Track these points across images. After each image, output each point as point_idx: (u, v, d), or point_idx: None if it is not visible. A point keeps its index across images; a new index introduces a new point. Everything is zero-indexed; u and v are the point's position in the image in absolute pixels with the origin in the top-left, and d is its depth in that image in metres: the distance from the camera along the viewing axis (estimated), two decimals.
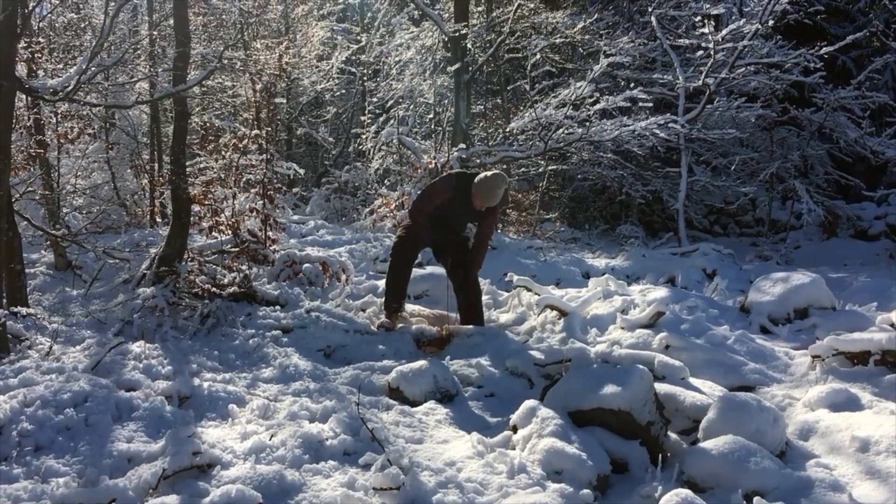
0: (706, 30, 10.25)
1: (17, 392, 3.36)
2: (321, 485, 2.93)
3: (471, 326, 5.17)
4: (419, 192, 5.32)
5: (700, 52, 11.10)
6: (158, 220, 8.80)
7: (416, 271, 6.61)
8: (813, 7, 11.85)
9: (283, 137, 15.85)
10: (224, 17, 11.11)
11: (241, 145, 6.84)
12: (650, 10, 11.39)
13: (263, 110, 7.69)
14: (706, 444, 3.28)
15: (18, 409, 3.20)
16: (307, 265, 6.15)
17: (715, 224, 13.98)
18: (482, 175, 5.15)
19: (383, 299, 5.48)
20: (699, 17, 10.77)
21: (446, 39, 11.29)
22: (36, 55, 6.42)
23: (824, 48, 10.16)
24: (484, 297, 5.74)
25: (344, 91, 17.31)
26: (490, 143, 11.51)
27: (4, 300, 4.34)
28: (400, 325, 5.28)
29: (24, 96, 5.53)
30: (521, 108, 11.78)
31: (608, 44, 11.10)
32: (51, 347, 4.17)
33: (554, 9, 12.17)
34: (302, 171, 8.67)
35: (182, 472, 2.90)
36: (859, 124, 11.44)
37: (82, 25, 9.67)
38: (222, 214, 6.49)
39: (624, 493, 3.04)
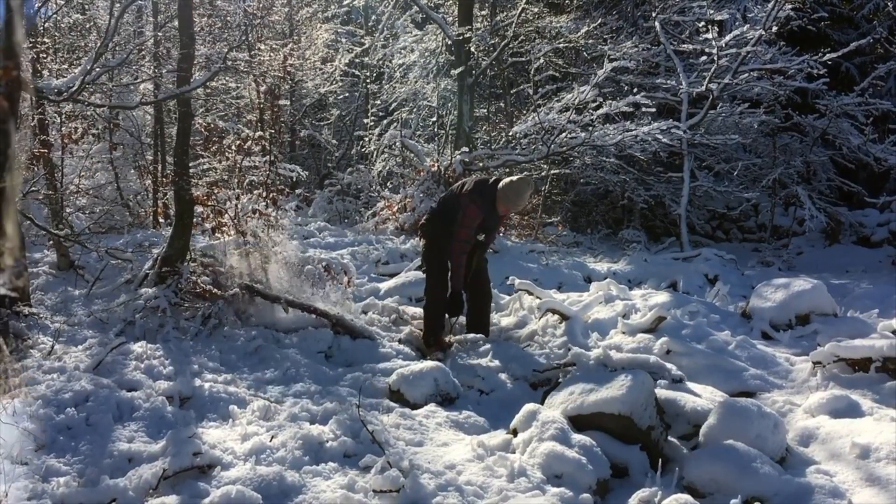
0: (710, 35, 10.25)
1: (19, 391, 3.37)
2: (321, 486, 2.94)
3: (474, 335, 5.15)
4: (461, 229, 4.92)
5: (703, 58, 11.09)
6: (161, 220, 8.80)
7: (416, 274, 6.63)
8: (816, 13, 11.85)
9: (287, 139, 15.83)
10: (228, 18, 11.12)
11: (244, 147, 6.85)
12: (654, 15, 11.40)
13: (267, 112, 7.70)
14: (706, 450, 3.29)
15: (20, 409, 3.21)
16: (309, 267, 6.15)
17: (717, 229, 13.95)
18: (507, 181, 4.94)
19: (423, 328, 5.21)
20: (703, 23, 10.76)
21: (450, 43, 11.31)
22: (41, 55, 6.44)
23: (828, 54, 10.15)
24: None
25: (347, 94, 17.33)
26: (493, 147, 11.51)
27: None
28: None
29: (28, 96, 5.55)
30: (525, 111, 11.79)
31: (612, 48, 11.11)
32: (53, 347, 4.18)
33: (558, 13, 12.18)
34: (305, 174, 8.67)
35: (182, 472, 2.92)
36: (862, 131, 11.43)
37: (87, 26, 9.71)
38: (225, 215, 6.50)
39: (624, 498, 3.04)
